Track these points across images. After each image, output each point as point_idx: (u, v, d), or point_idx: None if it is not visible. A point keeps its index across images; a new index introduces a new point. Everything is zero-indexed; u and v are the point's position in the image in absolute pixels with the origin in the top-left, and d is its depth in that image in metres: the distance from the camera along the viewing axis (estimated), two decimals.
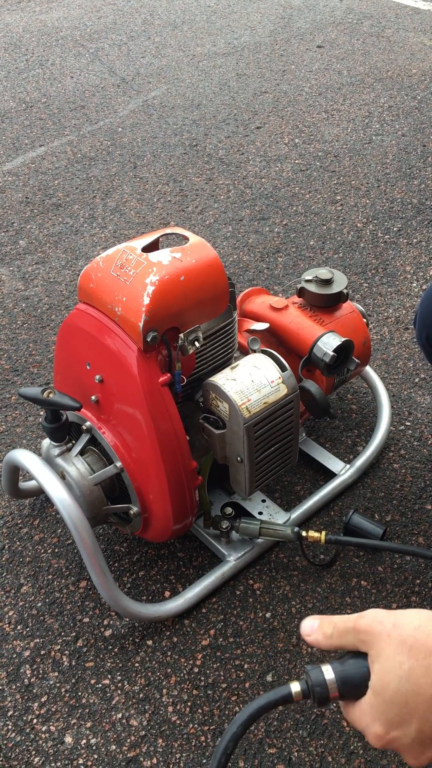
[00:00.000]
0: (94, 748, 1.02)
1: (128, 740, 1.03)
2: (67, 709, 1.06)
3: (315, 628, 0.60)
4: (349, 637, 0.58)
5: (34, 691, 1.08)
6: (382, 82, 2.98)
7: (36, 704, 1.07)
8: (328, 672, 0.57)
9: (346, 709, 0.59)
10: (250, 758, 1.00)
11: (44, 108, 2.84)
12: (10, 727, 1.04)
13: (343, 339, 1.22)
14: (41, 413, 1.51)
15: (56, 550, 1.27)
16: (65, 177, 2.40)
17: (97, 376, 1.07)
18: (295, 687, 0.58)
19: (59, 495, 1.03)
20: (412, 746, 0.54)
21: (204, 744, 1.02)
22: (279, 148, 2.53)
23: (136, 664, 1.11)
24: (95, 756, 1.01)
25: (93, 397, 1.09)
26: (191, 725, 1.04)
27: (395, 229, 2.10)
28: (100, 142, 2.60)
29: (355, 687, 0.56)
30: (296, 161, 2.45)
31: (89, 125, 2.71)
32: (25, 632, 1.15)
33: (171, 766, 1.00)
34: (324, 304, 1.30)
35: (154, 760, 1.01)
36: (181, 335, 1.03)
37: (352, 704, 0.57)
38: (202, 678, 1.09)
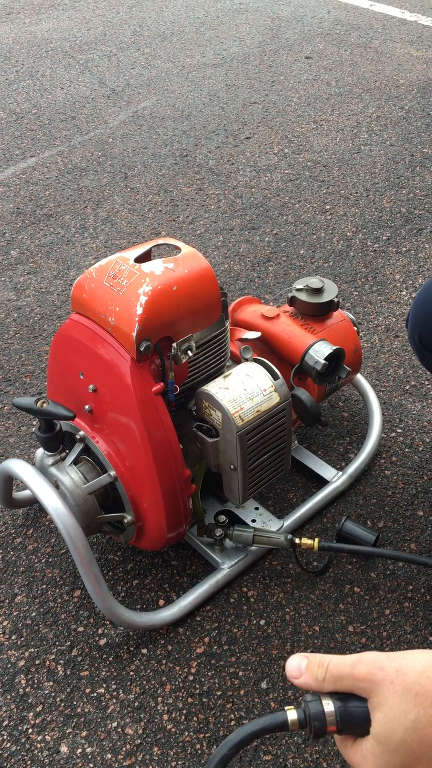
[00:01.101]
0: (89, 757, 1.02)
1: (124, 749, 1.03)
2: (62, 719, 1.06)
3: (303, 669, 0.56)
4: (344, 683, 0.54)
5: (29, 700, 1.08)
6: (370, 92, 3.01)
7: (31, 714, 1.07)
8: (328, 705, 0.54)
9: (343, 745, 0.56)
10: (246, 765, 1.01)
11: (35, 119, 2.86)
12: (5, 737, 1.04)
13: (334, 347, 1.23)
14: (35, 423, 1.52)
15: (50, 560, 1.27)
16: (56, 187, 2.41)
17: (91, 386, 1.07)
18: (292, 715, 0.55)
19: (53, 504, 1.03)
20: None
21: (199, 752, 1.02)
22: (268, 158, 2.55)
23: (131, 673, 1.11)
24: (91, 765, 1.01)
25: (86, 407, 1.10)
26: (187, 733, 1.04)
27: (384, 237, 2.12)
28: (91, 152, 2.61)
29: (354, 725, 0.54)
30: (286, 171, 2.47)
31: (80, 136, 2.72)
32: (19, 642, 1.15)
33: None
34: (315, 313, 1.31)
35: None
36: (174, 345, 1.04)
37: (351, 742, 0.55)
38: (197, 686, 1.10)
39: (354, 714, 0.54)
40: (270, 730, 0.55)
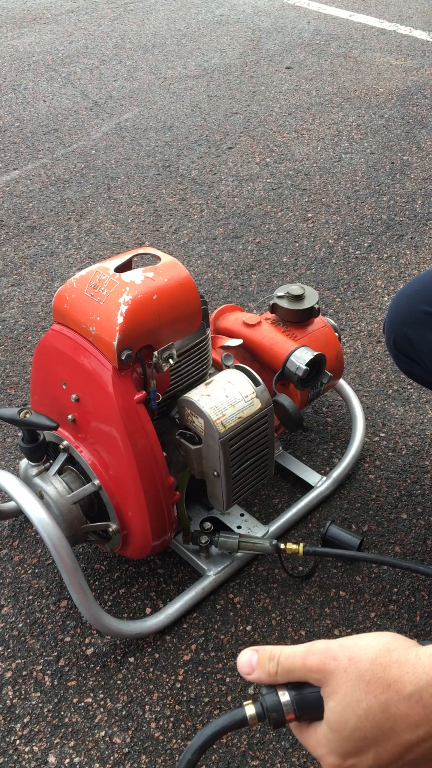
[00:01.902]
0: (77, 767, 1.02)
1: (112, 758, 1.03)
2: (49, 729, 1.06)
3: (254, 664, 0.56)
4: (297, 675, 0.55)
5: (17, 712, 1.08)
6: (350, 101, 3.04)
7: (18, 725, 1.07)
8: (284, 695, 0.56)
9: (298, 730, 0.57)
10: None
11: (17, 132, 2.87)
12: None
13: (316, 353, 1.25)
14: (18, 434, 1.52)
15: (36, 571, 1.27)
16: (39, 200, 2.42)
17: (73, 396, 1.08)
18: (250, 710, 0.56)
19: (38, 515, 1.04)
20: None
21: None
22: (251, 168, 2.57)
23: (119, 682, 1.11)
24: None
25: (70, 417, 1.11)
26: (174, 740, 1.05)
27: (366, 244, 2.14)
28: (74, 164, 2.62)
29: (311, 711, 0.55)
30: (268, 180, 2.49)
31: (63, 148, 2.74)
32: (6, 653, 1.15)
33: None
34: (296, 320, 1.33)
35: None
36: (156, 353, 1.05)
37: (306, 727, 0.56)
38: (185, 693, 1.10)
39: (309, 700, 0.55)
40: (230, 728, 0.56)
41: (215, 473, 1.11)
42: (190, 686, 1.11)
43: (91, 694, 1.10)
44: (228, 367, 1.17)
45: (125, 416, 1.03)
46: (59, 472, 1.12)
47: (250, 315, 1.34)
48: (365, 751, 0.53)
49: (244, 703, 0.57)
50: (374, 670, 0.52)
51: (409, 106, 2.97)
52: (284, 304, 1.32)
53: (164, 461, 1.08)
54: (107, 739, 1.05)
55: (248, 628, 1.18)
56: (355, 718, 0.52)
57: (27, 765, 1.02)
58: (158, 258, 1.09)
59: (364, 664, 0.52)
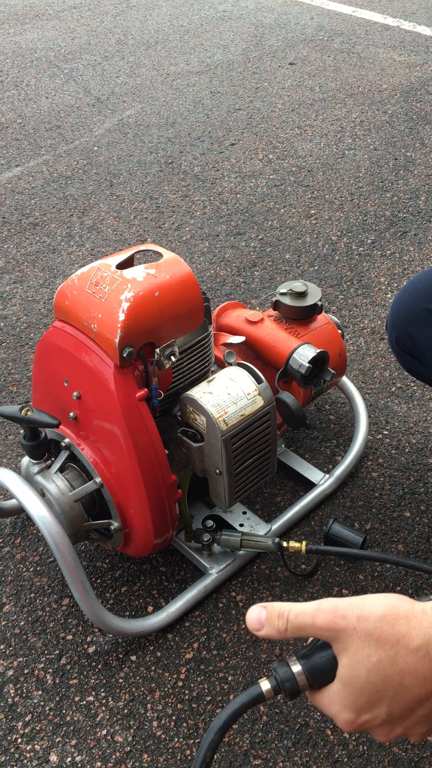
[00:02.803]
0: (79, 765, 1.02)
1: (113, 756, 1.02)
2: (51, 728, 1.06)
3: (263, 620, 0.57)
4: (307, 632, 0.57)
5: (18, 710, 1.08)
6: (353, 97, 3.03)
7: (20, 723, 1.06)
8: (295, 666, 0.57)
9: (312, 695, 0.59)
10: None
11: (20, 128, 2.86)
12: None
13: (318, 350, 1.24)
14: (20, 431, 1.51)
15: (38, 569, 1.27)
16: (42, 196, 2.41)
17: (75, 393, 1.07)
18: (265, 685, 0.58)
19: (39, 513, 1.03)
20: (382, 726, 0.56)
21: (189, 758, 1.02)
22: (253, 164, 2.56)
23: (120, 680, 1.11)
24: None
25: (71, 414, 1.10)
26: (176, 739, 1.04)
27: (369, 241, 2.13)
28: (76, 161, 2.62)
29: (323, 676, 0.57)
30: (270, 177, 2.48)
31: (65, 145, 2.73)
32: (8, 651, 1.15)
33: None
34: (299, 317, 1.32)
35: None
36: (157, 350, 1.05)
37: (318, 690, 0.58)
38: (187, 691, 1.09)
39: (321, 666, 0.57)
40: (249, 705, 0.58)
41: (217, 471, 1.10)
42: (192, 685, 1.10)
43: (93, 693, 1.10)
44: (230, 364, 1.16)
45: (127, 414, 1.02)
46: (61, 469, 1.12)
47: (253, 312, 1.33)
48: (377, 705, 0.54)
49: (259, 680, 0.59)
50: (383, 626, 0.54)
51: (413, 102, 2.96)
52: (287, 301, 1.31)
53: (166, 459, 1.08)
54: (109, 737, 1.05)
55: None
56: (365, 672, 0.54)
57: (28, 764, 1.02)
58: (160, 255, 1.08)
59: (372, 622, 0.54)
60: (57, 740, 1.04)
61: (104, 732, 1.05)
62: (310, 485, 1.37)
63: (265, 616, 0.57)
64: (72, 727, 1.06)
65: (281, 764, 1.01)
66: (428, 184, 2.40)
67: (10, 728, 1.06)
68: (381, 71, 3.25)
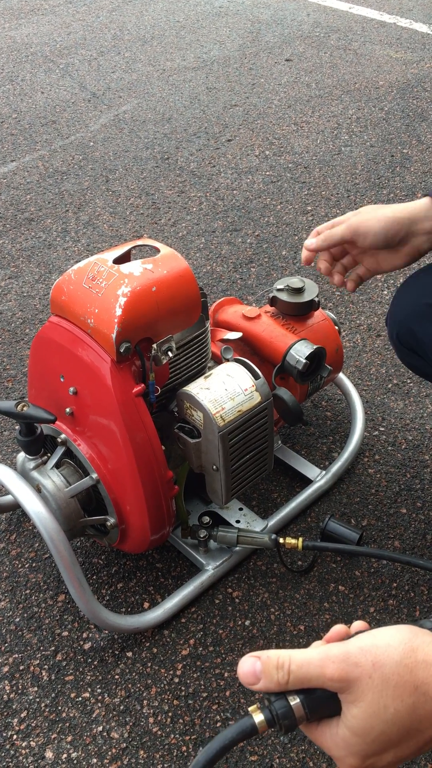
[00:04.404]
0: (75, 762, 1.01)
1: (109, 753, 1.02)
2: (47, 724, 1.05)
3: (258, 673, 0.52)
4: (313, 683, 0.52)
5: (14, 706, 1.08)
6: (350, 94, 3.02)
7: (15, 720, 1.06)
8: (294, 700, 0.52)
9: (308, 728, 0.55)
10: (232, 766, 1.00)
11: (15, 124, 2.85)
12: None
13: (315, 346, 1.24)
14: (16, 427, 1.51)
15: (34, 565, 1.27)
16: (37, 192, 2.40)
17: (71, 388, 1.07)
18: (258, 717, 0.53)
19: (35, 508, 1.03)
20: (386, 765, 0.53)
21: (185, 754, 1.02)
22: (250, 161, 2.55)
23: (116, 676, 1.11)
24: None
25: (67, 410, 1.10)
26: (172, 736, 1.04)
27: None
28: (72, 156, 2.61)
29: (323, 709, 0.53)
30: (267, 173, 2.48)
31: (60, 140, 2.72)
32: (3, 648, 1.15)
33: None
34: (296, 313, 1.32)
35: None
36: (154, 345, 1.04)
37: (317, 725, 0.54)
38: (183, 688, 1.09)
39: (321, 700, 0.52)
40: (239, 740, 0.52)
41: (214, 467, 1.10)
42: (188, 681, 1.10)
43: (89, 689, 1.09)
44: (227, 360, 1.16)
45: (124, 409, 1.02)
46: (57, 465, 1.11)
47: (250, 308, 1.33)
48: (387, 751, 0.52)
49: (250, 709, 0.53)
50: (400, 672, 0.50)
51: (409, 99, 2.96)
52: (284, 297, 1.31)
53: (163, 455, 1.07)
54: (105, 734, 1.04)
55: (247, 622, 1.17)
56: (382, 725, 0.50)
57: (24, 760, 1.02)
58: (157, 249, 1.08)
59: (389, 668, 0.50)
60: (53, 737, 1.04)
61: (100, 728, 1.05)
62: (307, 482, 1.37)
63: (260, 668, 0.52)
64: (68, 724, 1.05)
65: (277, 760, 1.01)
66: (424, 181, 2.40)
67: (5, 725, 1.05)
68: (377, 68, 3.25)
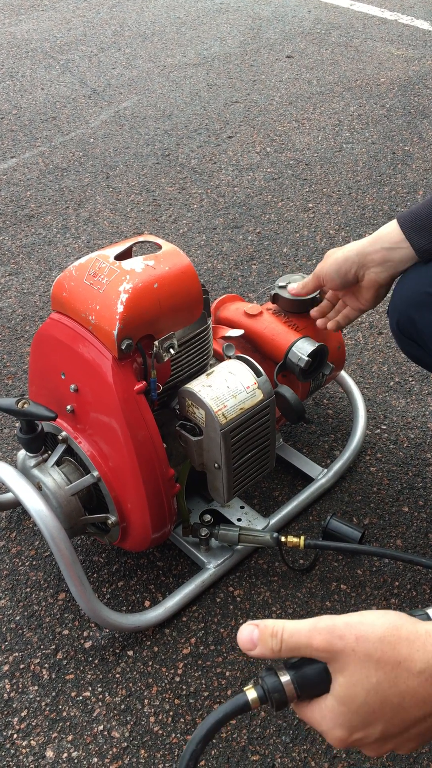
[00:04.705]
0: (75, 761, 1.01)
1: (110, 752, 1.02)
2: (47, 723, 1.05)
3: (256, 640, 0.56)
4: (302, 652, 0.55)
5: (14, 705, 1.07)
6: (351, 91, 3.01)
7: (16, 719, 1.05)
8: (284, 675, 0.55)
9: (299, 707, 0.57)
10: (233, 766, 1.00)
11: (15, 120, 2.84)
12: None
13: (317, 344, 1.23)
14: (16, 424, 1.50)
15: (34, 563, 1.26)
16: (37, 188, 2.39)
17: (72, 386, 1.06)
18: (251, 694, 0.56)
19: (36, 506, 1.02)
20: (373, 743, 0.55)
21: None
22: (251, 157, 2.54)
23: (117, 675, 1.10)
24: None
25: (68, 407, 1.09)
26: (173, 735, 1.03)
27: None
28: (72, 153, 2.60)
29: (312, 687, 0.55)
30: (268, 170, 2.47)
31: (61, 136, 2.71)
32: (3, 646, 1.14)
33: None
34: (298, 310, 1.31)
35: None
36: (156, 343, 1.03)
37: (307, 703, 0.56)
38: (184, 687, 1.09)
39: (310, 678, 0.55)
40: (233, 714, 0.56)
41: (216, 465, 1.09)
42: (189, 680, 1.09)
43: (90, 688, 1.09)
44: (229, 357, 1.15)
45: (125, 407, 1.01)
46: (58, 463, 1.11)
47: (252, 305, 1.32)
48: (372, 724, 0.53)
49: (245, 688, 0.57)
50: (383, 648, 0.52)
51: (411, 96, 2.95)
52: (286, 294, 1.30)
53: (164, 453, 1.07)
54: (105, 733, 1.04)
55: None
56: (364, 693, 0.53)
57: (24, 759, 1.01)
58: (159, 246, 1.07)
59: (371, 644, 0.53)
60: (53, 736, 1.04)
61: (101, 727, 1.04)
62: (309, 480, 1.37)
63: (257, 636, 0.56)
64: (68, 723, 1.05)
65: (279, 760, 1.00)
66: (426, 179, 2.39)
67: (5, 724, 1.05)
68: (379, 65, 3.24)
